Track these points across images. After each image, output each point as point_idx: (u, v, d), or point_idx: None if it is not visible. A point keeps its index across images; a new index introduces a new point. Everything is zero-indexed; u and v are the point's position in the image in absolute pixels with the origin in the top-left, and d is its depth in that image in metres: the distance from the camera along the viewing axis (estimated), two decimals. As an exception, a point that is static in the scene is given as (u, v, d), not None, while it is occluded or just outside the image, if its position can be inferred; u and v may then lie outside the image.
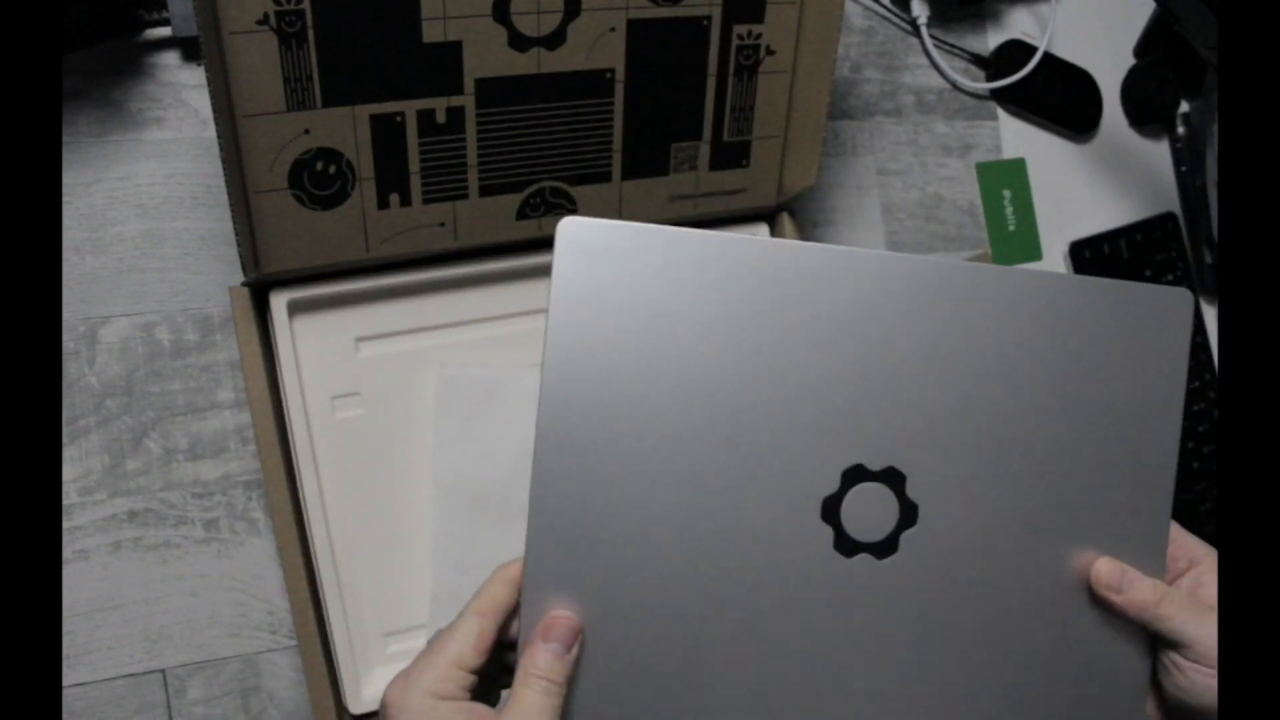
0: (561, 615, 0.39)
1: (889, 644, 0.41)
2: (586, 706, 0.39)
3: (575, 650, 0.39)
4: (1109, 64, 0.81)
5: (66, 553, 0.54)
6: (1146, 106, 0.81)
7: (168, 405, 0.56)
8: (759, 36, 0.55)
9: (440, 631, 0.40)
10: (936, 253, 0.74)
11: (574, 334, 0.38)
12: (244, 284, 0.52)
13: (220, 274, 0.57)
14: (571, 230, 0.38)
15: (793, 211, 0.62)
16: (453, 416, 0.56)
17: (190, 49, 0.57)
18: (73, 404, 0.54)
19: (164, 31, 0.56)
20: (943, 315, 0.40)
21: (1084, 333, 0.41)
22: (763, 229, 0.62)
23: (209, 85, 0.44)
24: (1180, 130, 0.82)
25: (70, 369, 0.54)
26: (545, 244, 0.57)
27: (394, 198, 0.52)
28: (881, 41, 0.74)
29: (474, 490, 0.56)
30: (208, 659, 0.55)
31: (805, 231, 0.70)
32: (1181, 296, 0.43)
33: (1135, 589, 0.42)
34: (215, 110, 0.45)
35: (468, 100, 0.50)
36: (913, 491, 0.40)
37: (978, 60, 0.77)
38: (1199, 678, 0.41)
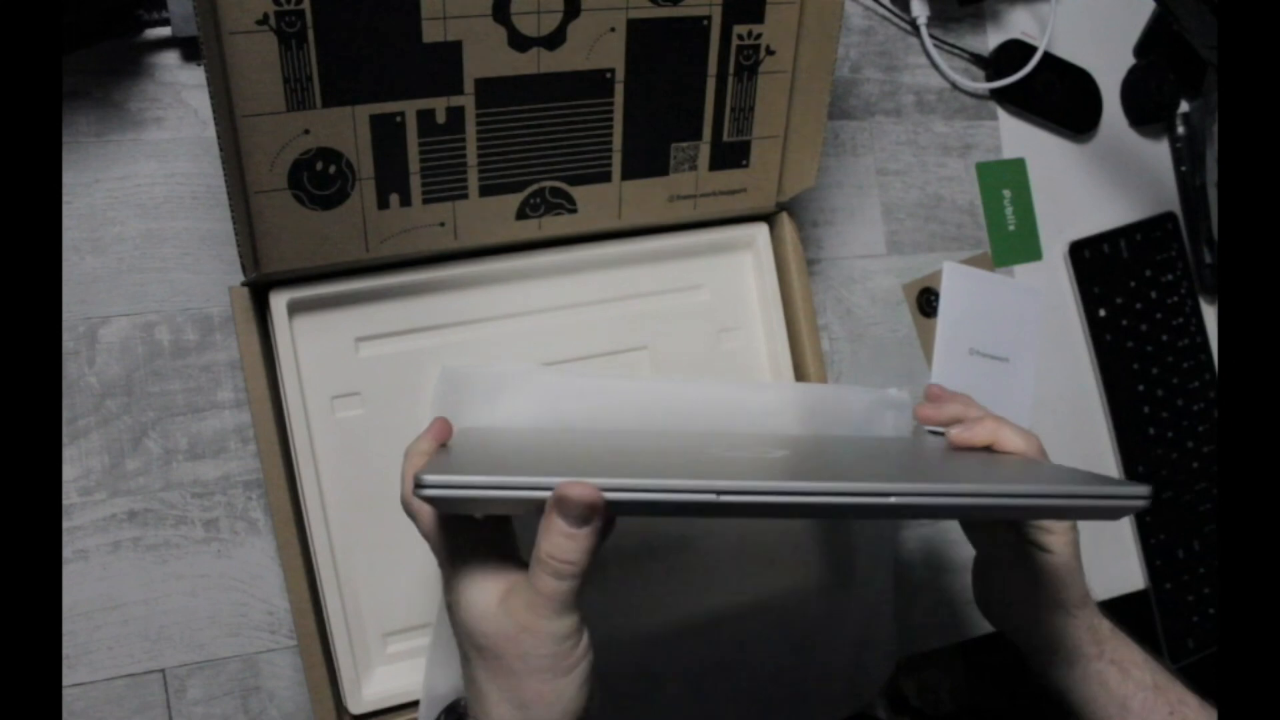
0: (576, 486, 0.36)
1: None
2: None
3: (595, 523, 0.36)
4: (1109, 64, 0.81)
5: (66, 553, 0.54)
6: (1146, 106, 0.81)
7: (168, 405, 0.56)
8: (759, 36, 0.55)
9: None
10: (936, 253, 0.74)
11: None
12: (244, 284, 0.52)
13: (220, 274, 0.57)
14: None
15: (792, 212, 0.62)
16: (446, 414, 0.56)
17: (190, 49, 0.57)
18: (73, 404, 0.54)
19: (164, 31, 0.56)
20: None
21: None
22: (762, 229, 0.62)
23: (209, 85, 0.44)
24: (1180, 130, 0.82)
25: (70, 369, 0.54)
26: (545, 244, 0.58)
27: (394, 198, 0.52)
28: (881, 41, 0.74)
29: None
30: (207, 659, 0.55)
31: (805, 231, 0.70)
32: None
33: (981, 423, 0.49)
34: (215, 110, 0.45)
35: (468, 100, 0.50)
36: None
37: (978, 60, 0.77)
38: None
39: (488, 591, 0.39)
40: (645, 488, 0.37)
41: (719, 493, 0.37)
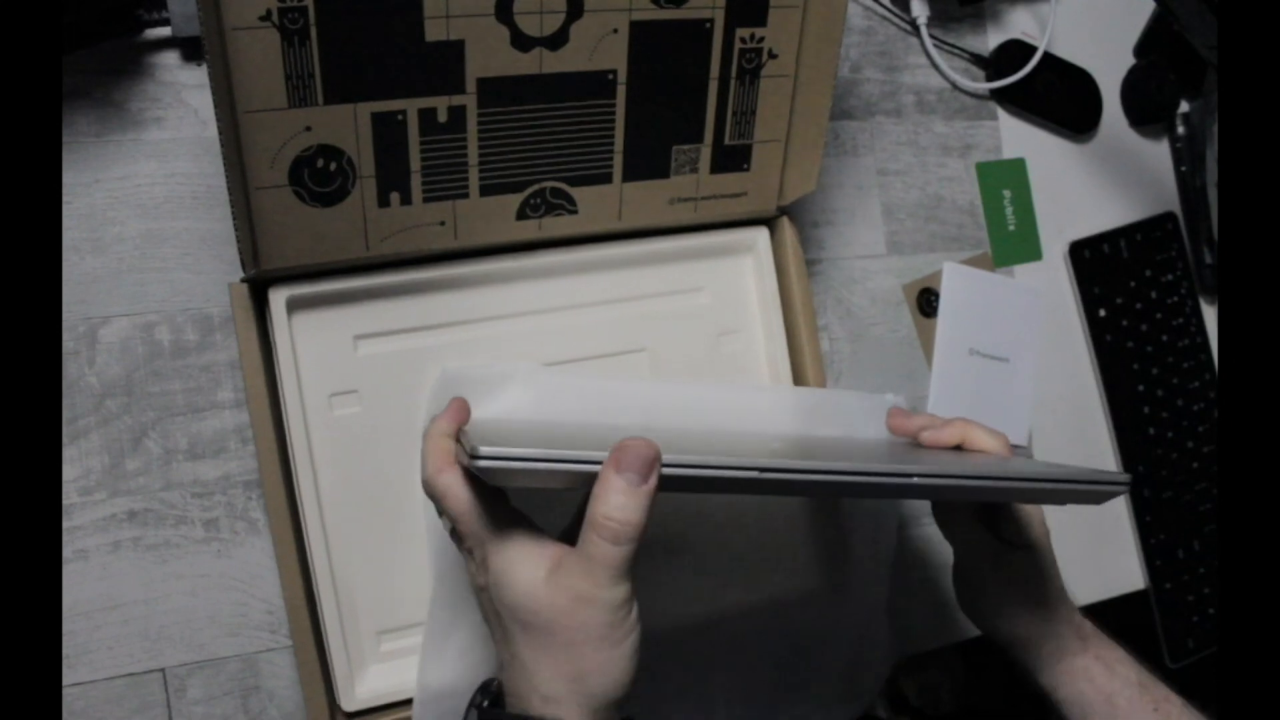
0: (637, 440, 0.37)
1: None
2: None
3: (652, 481, 0.37)
4: (1109, 64, 0.81)
5: (66, 553, 0.53)
6: (1146, 106, 0.81)
7: (168, 405, 0.56)
8: (761, 40, 0.55)
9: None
10: (937, 253, 0.74)
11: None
12: (243, 280, 0.52)
13: (220, 274, 0.57)
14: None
15: (792, 214, 0.62)
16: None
17: (190, 49, 0.57)
18: (73, 404, 0.54)
19: (164, 31, 0.56)
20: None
21: None
22: (763, 233, 0.62)
23: (211, 81, 0.44)
24: (1180, 130, 0.82)
25: (70, 369, 0.54)
26: (545, 245, 0.58)
27: (394, 196, 0.52)
28: (881, 41, 0.74)
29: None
30: (207, 659, 0.55)
31: (805, 231, 0.70)
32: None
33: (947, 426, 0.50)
34: (217, 106, 0.45)
35: (469, 99, 0.50)
36: None
37: (978, 60, 0.77)
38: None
39: (535, 567, 0.39)
40: (691, 463, 0.38)
41: (762, 469, 0.38)
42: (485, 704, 0.41)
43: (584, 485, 0.38)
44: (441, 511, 0.43)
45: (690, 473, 0.38)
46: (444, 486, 0.41)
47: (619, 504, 0.37)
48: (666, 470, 0.38)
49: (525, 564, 0.39)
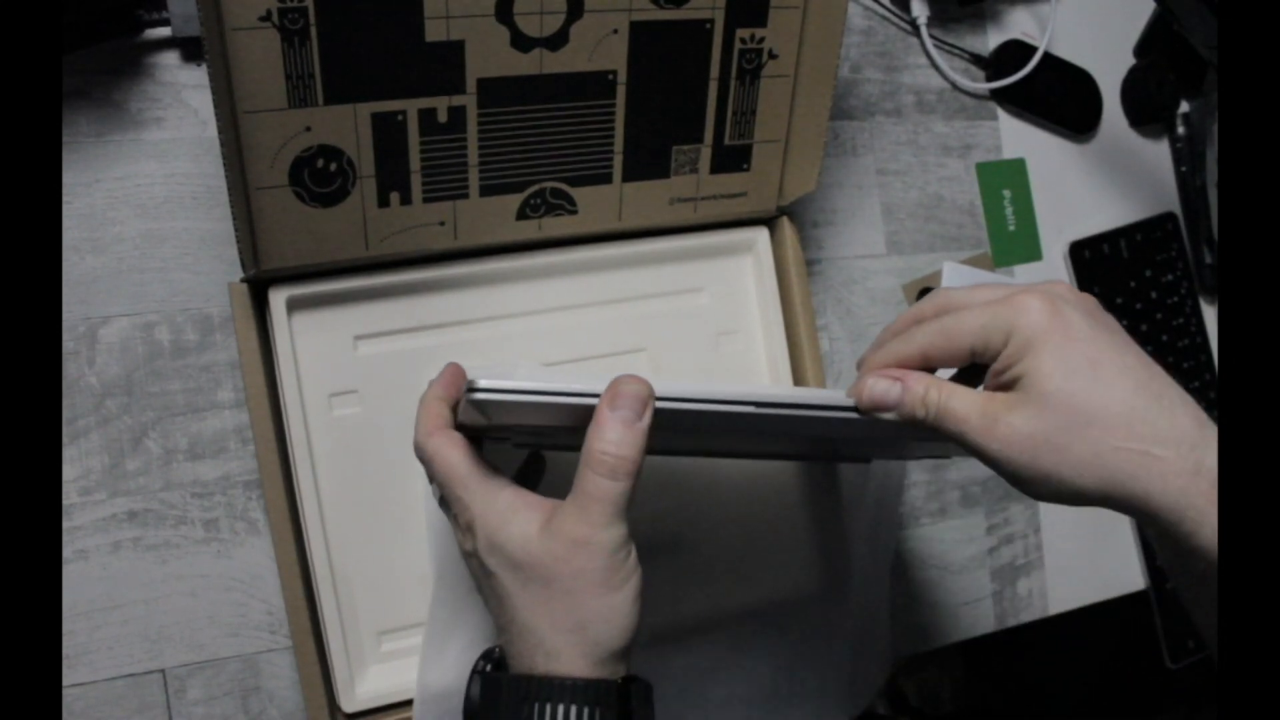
0: (630, 379, 0.37)
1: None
2: None
3: (647, 418, 0.37)
4: (1109, 64, 0.81)
5: (66, 553, 0.53)
6: (1146, 106, 0.81)
7: (168, 405, 0.56)
8: (761, 40, 0.55)
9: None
10: (936, 253, 0.74)
11: None
12: (243, 280, 0.52)
13: (220, 274, 0.57)
14: None
15: (792, 215, 0.62)
16: None
17: (190, 49, 0.57)
18: (73, 404, 0.54)
19: (164, 31, 0.56)
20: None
21: None
22: (762, 233, 0.62)
23: (211, 81, 0.44)
24: (1180, 130, 0.82)
25: (70, 369, 0.54)
26: (544, 245, 0.58)
27: (394, 196, 0.52)
28: (881, 41, 0.74)
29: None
30: (208, 659, 0.55)
31: (805, 231, 0.70)
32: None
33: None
34: (217, 106, 0.45)
35: (469, 100, 0.50)
36: None
37: (978, 60, 0.77)
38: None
39: (529, 520, 0.39)
40: (686, 395, 0.37)
41: (759, 404, 0.37)
42: (488, 668, 0.40)
43: (579, 421, 0.38)
44: (431, 477, 0.43)
45: (685, 406, 0.37)
46: (433, 449, 0.41)
47: (614, 438, 0.36)
48: (661, 404, 0.37)
49: (518, 518, 0.39)
